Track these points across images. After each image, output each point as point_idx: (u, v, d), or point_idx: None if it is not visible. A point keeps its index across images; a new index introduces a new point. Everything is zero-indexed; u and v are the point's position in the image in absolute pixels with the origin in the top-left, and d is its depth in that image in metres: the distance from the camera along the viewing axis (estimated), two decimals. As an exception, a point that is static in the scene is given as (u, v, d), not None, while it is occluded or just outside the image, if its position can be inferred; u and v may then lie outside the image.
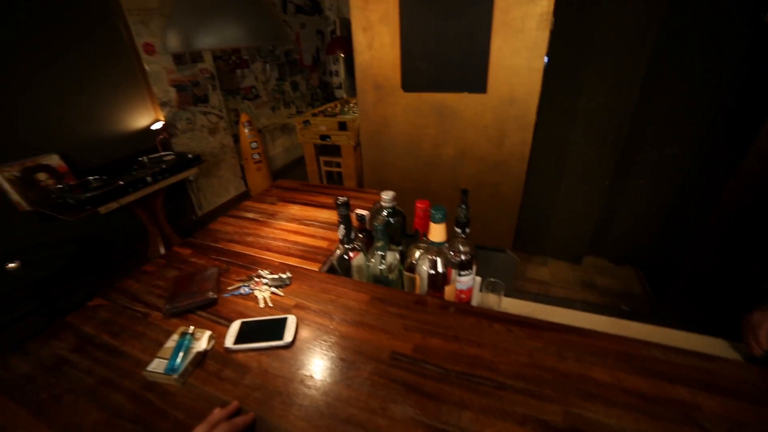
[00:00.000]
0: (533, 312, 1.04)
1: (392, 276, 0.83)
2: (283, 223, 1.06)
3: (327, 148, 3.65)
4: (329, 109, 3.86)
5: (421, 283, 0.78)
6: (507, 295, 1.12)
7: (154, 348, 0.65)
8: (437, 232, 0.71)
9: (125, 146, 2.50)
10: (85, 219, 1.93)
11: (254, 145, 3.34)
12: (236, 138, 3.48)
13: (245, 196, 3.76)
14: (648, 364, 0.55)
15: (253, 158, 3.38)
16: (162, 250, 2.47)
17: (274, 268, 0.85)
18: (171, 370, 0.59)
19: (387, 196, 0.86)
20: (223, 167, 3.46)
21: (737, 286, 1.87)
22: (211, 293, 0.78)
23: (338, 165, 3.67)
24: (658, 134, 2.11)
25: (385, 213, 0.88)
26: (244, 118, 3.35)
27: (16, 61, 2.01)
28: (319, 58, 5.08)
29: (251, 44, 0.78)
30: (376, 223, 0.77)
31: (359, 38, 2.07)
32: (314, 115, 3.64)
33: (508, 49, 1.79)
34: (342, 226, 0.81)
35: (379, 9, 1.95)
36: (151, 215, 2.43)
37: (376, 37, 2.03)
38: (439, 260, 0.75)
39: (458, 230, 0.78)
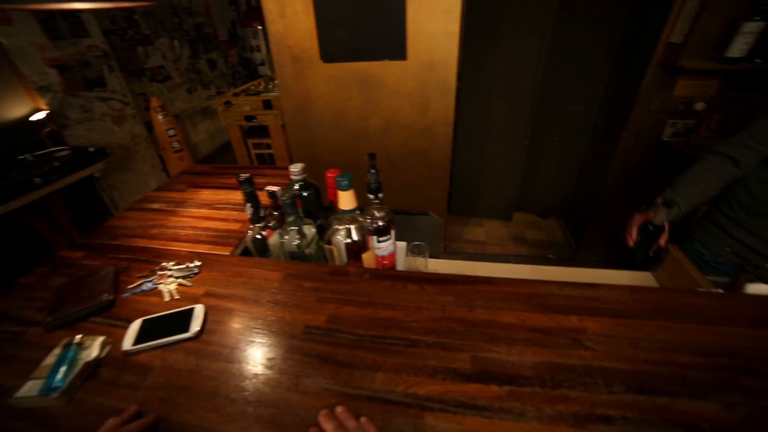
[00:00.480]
0: (462, 270, 1.08)
1: (309, 251, 0.80)
2: (193, 210, 0.97)
3: (254, 130, 3.43)
4: (252, 88, 3.61)
5: (339, 254, 0.76)
6: (438, 256, 1.15)
7: (31, 369, 0.56)
8: (346, 200, 0.69)
9: (-5, 144, 2.08)
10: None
11: (171, 132, 3.03)
12: (150, 126, 3.13)
13: (168, 188, 3.44)
14: (547, 301, 0.59)
15: (173, 147, 3.08)
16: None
17: (182, 258, 0.78)
18: (49, 389, 0.51)
19: (296, 168, 0.82)
20: (138, 159, 3.10)
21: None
22: (105, 295, 0.69)
23: (268, 146, 3.49)
24: (566, 94, 2.27)
25: (296, 187, 0.84)
26: (155, 102, 3.01)
27: None
28: (236, 32, 4.68)
29: (94, 4, 0.66)
30: (284, 198, 0.73)
31: (269, 5, 1.91)
32: (236, 95, 3.38)
33: (424, 13, 1.76)
34: (248, 205, 0.75)
35: (288, -28, 1.81)
36: (50, 223, 2.12)
37: (288, 3, 1.89)
38: (353, 228, 0.73)
39: (371, 196, 0.76)
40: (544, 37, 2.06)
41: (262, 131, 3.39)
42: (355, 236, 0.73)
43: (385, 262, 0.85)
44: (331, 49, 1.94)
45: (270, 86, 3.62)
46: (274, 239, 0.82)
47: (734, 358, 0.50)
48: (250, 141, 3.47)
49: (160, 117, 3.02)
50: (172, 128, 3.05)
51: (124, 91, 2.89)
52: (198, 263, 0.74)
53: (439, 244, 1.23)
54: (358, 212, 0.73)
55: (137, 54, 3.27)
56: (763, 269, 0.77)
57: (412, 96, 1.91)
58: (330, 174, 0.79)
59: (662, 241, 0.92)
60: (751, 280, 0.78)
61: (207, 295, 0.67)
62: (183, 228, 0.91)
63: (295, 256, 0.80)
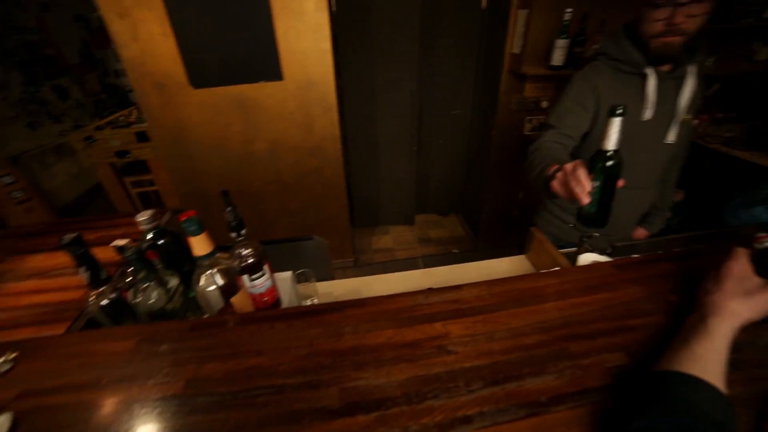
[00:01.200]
0: (355, 287, 1.08)
1: (173, 305, 0.71)
2: (12, 284, 0.79)
3: (131, 166, 3.03)
4: (122, 119, 3.19)
5: (206, 304, 0.69)
6: (333, 277, 1.13)
7: None
8: (199, 245, 0.63)
9: None
10: None
11: (8, 179, 2.50)
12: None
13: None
14: (414, 313, 0.61)
15: (13, 197, 2.54)
16: None
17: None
18: None
19: (144, 217, 0.72)
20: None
21: (518, 211, 2.41)
22: None
23: (151, 183, 3.11)
24: (442, 100, 2.47)
25: (149, 236, 0.75)
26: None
27: None
28: (92, 53, 4.08)
29: None
30: (128, 255, 0.64)
31: (117, 27, 1.71)
32: (99, 128, 2.94)
33: (293, 33, 1.76)
34: (82, 268, 0.64)
35: (132, -12, 1.63)
36: None
37: (140, 25, 1.71)
38: (216, 273, 0.67)
39: (233, 234, 0.71)
40: (414, 50, 2.22)
41: (141, 167, 3.01)
42: (219, 281, 0.67)
43: (266, 299, 0.80)
44: (200, 74, 1.81)
45: (143, 116, 3.24)
46: (129, 300, 0.71)
47: (565, 327, 0.58)
48: (128, 179, 3.05)
49: (-11, 162, 2.48)
50: (8, 174, 2.51)
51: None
52: (11, 356, 0.60)
53: (329, 266, 1.22)
54: (218, 254, 0.67)
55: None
56: (594, 239, 0.90)
57: (295, 116, 1.89)
58: (183, 217, 0.71)
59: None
60: (587, 251, 0.92)
61: (21, 396, 0.54)
62: (-4, 311, 0.73)
63: (156, 316, 0.70)
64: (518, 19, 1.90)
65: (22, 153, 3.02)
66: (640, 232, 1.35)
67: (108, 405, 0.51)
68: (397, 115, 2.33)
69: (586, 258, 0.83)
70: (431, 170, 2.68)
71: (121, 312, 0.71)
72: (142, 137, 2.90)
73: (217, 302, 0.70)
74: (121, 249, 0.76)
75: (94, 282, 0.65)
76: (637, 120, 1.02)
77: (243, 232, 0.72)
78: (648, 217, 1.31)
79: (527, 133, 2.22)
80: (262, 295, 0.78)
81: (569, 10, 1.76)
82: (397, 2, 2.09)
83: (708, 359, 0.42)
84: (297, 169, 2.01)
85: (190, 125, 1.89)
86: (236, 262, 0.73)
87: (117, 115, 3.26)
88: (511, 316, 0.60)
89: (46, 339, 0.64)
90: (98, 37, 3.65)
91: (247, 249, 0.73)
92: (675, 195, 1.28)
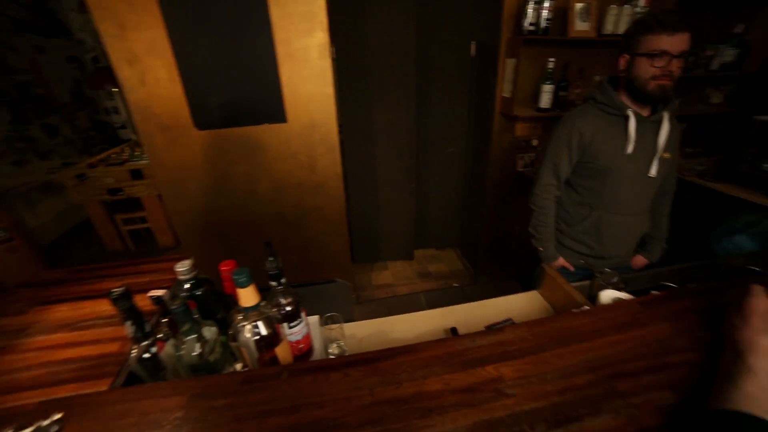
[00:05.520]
0: (379, 328, 1.09)
1: (214, 356, 0.70)
2: (42, 337, 0.76)
3: (121, 203, 2.97)
4: (114, 156, 3.17)
5: (249, 354, 0.69)
6: (353, 319, 1.13)
7: None
8: (247, 297, 0.64)
9: None
10: None
11: (-7, 220, 2.40)
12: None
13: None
14: (464, 357, 0.63)
15: (-3, 238, 2.43)
16: None
17: (28, 416, 0.59)
18: None
19: (183, 267, 0.73)
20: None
21: (516, 244, 2.48)
22: None
23: (143, 220, 3.05)
24: (437, 138, 2.59)
25: (187, 286, 0.75)
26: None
27: None
28: (82, 92, 4.09)
29: None
30: (173, 307, 0.64)
31: (125, 73, 1.75)
32: (92, 165, 2.91)
33: (298, 78, 1.84)
34: (129, 323, 0.63)
35: (143, 38, 1.69)
36: None
37: (148, 71, 1.76)
38: (260, 323, 0.68)
39: (274, 283, 0.73)
40: (410, 93, 2.34)
41: (133, 204, 2.96)
42: (263, 331, 0.67)
43: (301, 345, 0.80)
44: (205, 116, 1.85)
45: (137, 152, 3.22)
46: (167, 352, 0.70)
47: (609, 366, 0.61)
48: (119, 217, 2.98)
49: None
50: (-6, 215, 2.43)
51: None
52: (57, 417, 0.57)
53: (350, 308, 1.22)
54: (262, 303, 0.68)
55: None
56: (606, 274, 0.96)
57: (298, 156, 1.94)
58: (224, 267, 0.72)
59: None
60: (602, 286, 0.97)
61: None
62: (29, 368, 0.70)
63: (198, 368, 0.69)
64: (507, 66, 2.06)
65: (7, 191, 2.92)
66: (639, 260, 1.44)
67: (171, 468, 0.49)
68: (396, 154, 2.42)
69: (608, 295, 0.87)
70: (429, 206, 2.76)
71: (157, 365, 0.70)
72: (137, 174, 2.87)
73: (256, 352, 0.70)
74: (157, 300, 0.76)
75: (139, 335, 0.65)
76: (622, 153, 1.19)
77: (283, 281, 0.73)
78: (646, 245, 1.41)
79: (520, 169, 2.34)
80: (298, 342, 0.78)
81: (552, 59, 1.94)
82: (393, 49, 2.23)
83: (760, 397, 0.45)
84: (299, 207, 2.03)
85: (194, 165, 1.90)
86: (275, 311, 0.73)
87: (109, 152, 3.24)
88: (557, 356, 0.63)
89: (91, 396, 0.61)
90: (92, 78, 3.67)
91: (286, 297, 0.74)
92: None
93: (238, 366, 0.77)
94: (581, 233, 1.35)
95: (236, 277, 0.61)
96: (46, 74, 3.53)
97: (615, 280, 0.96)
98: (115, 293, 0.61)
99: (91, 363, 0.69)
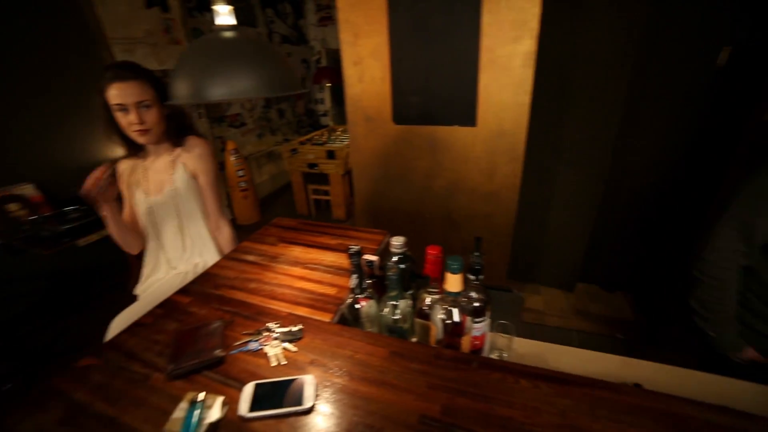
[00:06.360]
0: (543, 352, 1.04)
1: (406, 326, 0.80)
2: (286, 267, 1.03)
3: (314, 176, 3.63)
4: (316, 138, 3.88)
5: (437, 332, 0.76)
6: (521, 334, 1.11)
7: (159, 417, 0.59)
8: (455, 283, 0.70)
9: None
10: (61, 252, 1.81)
11: (241, 173, 3.29)
12: (222, 165, 3.43)
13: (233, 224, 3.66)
14: (685, 425, 0.54)
15: (240, 186, 3.33)
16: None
17: (283, 319, 0.81)
18: (183, 447, 0.54)
19: (398, 242, 0.85)
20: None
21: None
22: (218, 351, 0.73)
23: (326, 193, 3.66)
24: (637, 165, 2.21)
25: (396, 259, 0.87)
26: (230, 146, 3.31)
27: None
28: (304, 86, 5.15)
29: (263, 95, 0.77)
30: (389, 273, 0.76)
31: (350, 72, 2.10)
32: (302, 143, 3.65)
33: (496, 85, 1.86)
34: (354, 276, 0.79)
35: (369, 44, 2.00)
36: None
37: (367, 71, 2.08)
38: (455, 310, 0.73)
39: (472, 277, 0.77)
40: (615, 108, 2.06)
41: (323, 178, 3.58)
42: (456, 318, 0.73)
43: (477, 342, 0.83)
44: (404, 113, 2.08)
45: (332, 137, 3.88)
46: (367, 309, 0.84)
47: None
48: (310, 186, 3.66)
49: (232, 159, 3.31)
50: (242, 169, 3.32)
51: (206, 136, 3.23)
52: (300, 327, 0.77)
53: (518, 322, 1.19)
54: (461, 294, 0.73)
55: (222, 104, 3.67)
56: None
57: (480, 161, 1.96)
58: (431, 251, 0.81)
59: None
60: None
61: (314, 364, 0.69)
62: (279, 286, 0.95)
63: (392, 330, 0.81)
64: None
65: (250, 155, 3.98)
66: None
67: (380, 402, 0.60)
68: (582, 174, 2.18)
69: None
70: (607, 239, 2.40)
71: (358, 317, 0.85)
72: (330, 155, 3.45)
73: (442, 333, 0.77)
74: (370, 263, 0.91)
75: (359, 288, 0.80)
76: None
77: (481, 277, 0.77)
78: None
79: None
80: (475, 338, 0.82)
81: None
82: (604, 57, 1.98)
83: None
84: (468, 210, 2.07)
85: (384, 154, 2.16)
86: (465, 302, 0.78)
87: (314, 134, 3.99)
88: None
89: (318, 322, 0.80)
90: (316, 75, 4.60)
91: (478, 293, 0.78)
92: None
93: (414, 340, 0.87)
94: None
95: (452, 263, 0.68)
96: (288, 70, 4.62)
97: None
98: (353, 249, 0.77)
99: (315, 297, 0.89)
